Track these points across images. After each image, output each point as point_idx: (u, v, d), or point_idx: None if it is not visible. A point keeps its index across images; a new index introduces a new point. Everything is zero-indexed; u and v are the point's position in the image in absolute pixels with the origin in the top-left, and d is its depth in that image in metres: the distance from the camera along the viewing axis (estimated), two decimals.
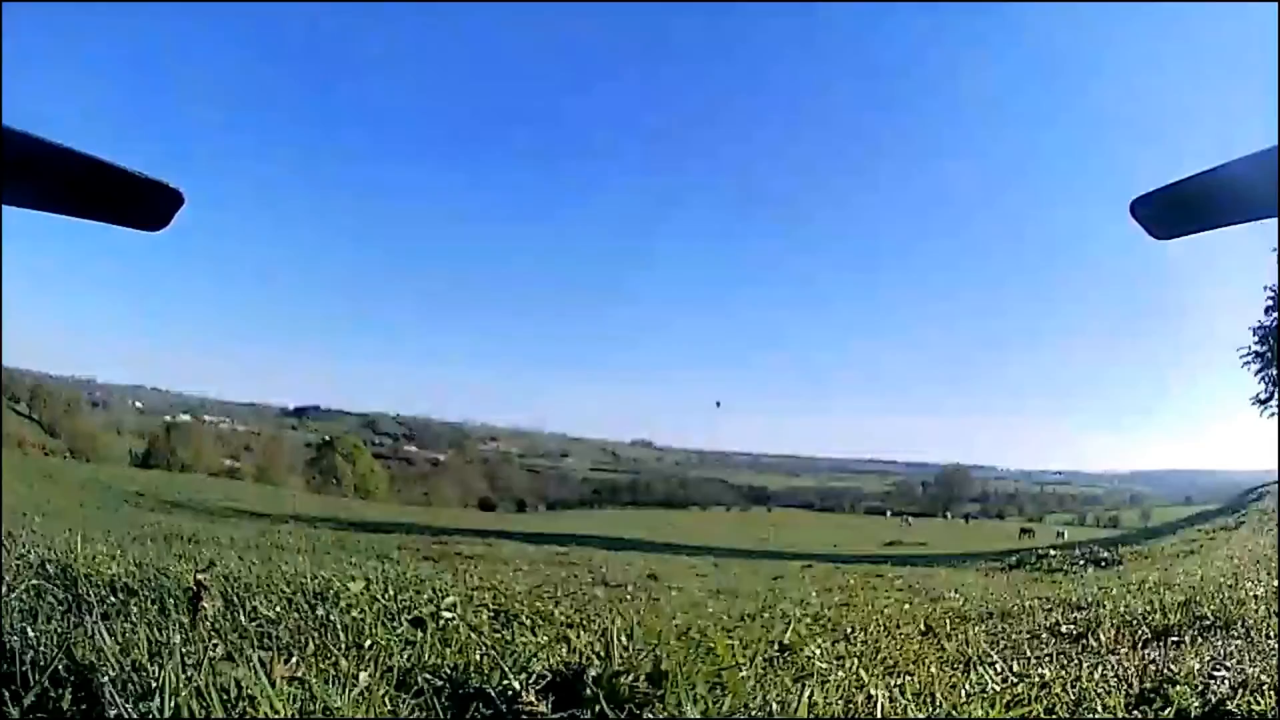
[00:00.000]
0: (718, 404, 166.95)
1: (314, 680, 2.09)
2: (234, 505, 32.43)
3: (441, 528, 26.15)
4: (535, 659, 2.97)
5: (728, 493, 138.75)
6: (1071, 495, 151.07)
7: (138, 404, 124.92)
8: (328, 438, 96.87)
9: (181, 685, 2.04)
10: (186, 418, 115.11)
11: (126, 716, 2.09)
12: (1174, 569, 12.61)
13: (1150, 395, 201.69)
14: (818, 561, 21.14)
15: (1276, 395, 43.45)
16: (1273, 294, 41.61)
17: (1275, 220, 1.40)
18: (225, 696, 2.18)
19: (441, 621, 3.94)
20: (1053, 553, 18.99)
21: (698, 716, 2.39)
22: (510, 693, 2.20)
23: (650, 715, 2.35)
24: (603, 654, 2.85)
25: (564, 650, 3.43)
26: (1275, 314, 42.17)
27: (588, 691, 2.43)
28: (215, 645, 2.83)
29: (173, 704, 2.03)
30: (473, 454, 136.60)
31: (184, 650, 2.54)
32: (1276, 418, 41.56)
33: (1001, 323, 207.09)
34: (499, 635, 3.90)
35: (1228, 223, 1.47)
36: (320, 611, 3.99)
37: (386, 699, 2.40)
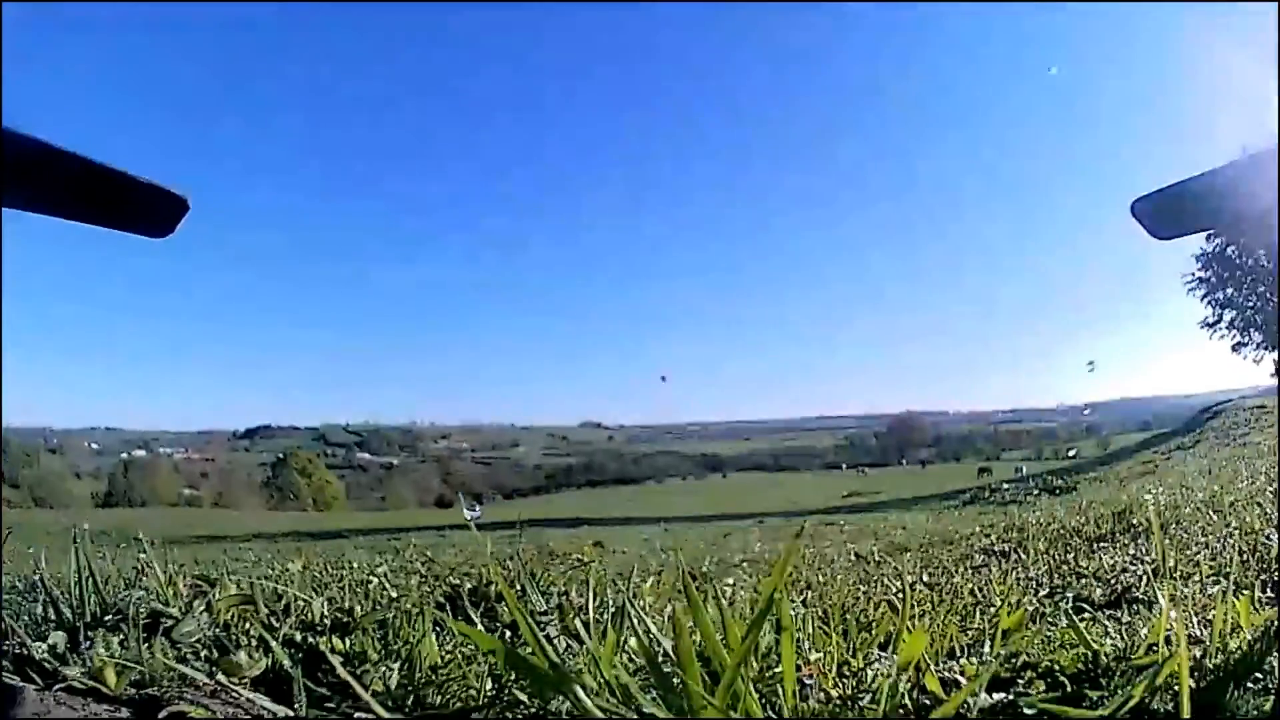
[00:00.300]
0: (663, 378, 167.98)
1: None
2: (195, 532, 32.29)
3: (398, 527, 26.44)
4: (438, 590, 3.43)
5: (681, 464, 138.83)
6: (1027, 432, 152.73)
7: (93, 445, 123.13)
8: (281, 455, 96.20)
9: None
10: (142, 453, 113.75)
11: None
12: (1126, 489, 12.97)
13: (1100, 325, 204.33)
14: (771, 518, 21.55)
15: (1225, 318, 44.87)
16: None
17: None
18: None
19: (370, 584, 4.37)
20: (1006, 486, 19.34)
21: (541, 605, 2.87)
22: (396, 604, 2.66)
23: (503, 610, 2.85)
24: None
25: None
26: (1217, 240, 43.25)
27: (463, 600, 2.93)
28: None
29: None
30: (425, 454, 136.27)
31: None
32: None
33: (951, 261, 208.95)
34: (422, 588, 4.33)
35: (1228, 222, 1.52)
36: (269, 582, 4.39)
37: None
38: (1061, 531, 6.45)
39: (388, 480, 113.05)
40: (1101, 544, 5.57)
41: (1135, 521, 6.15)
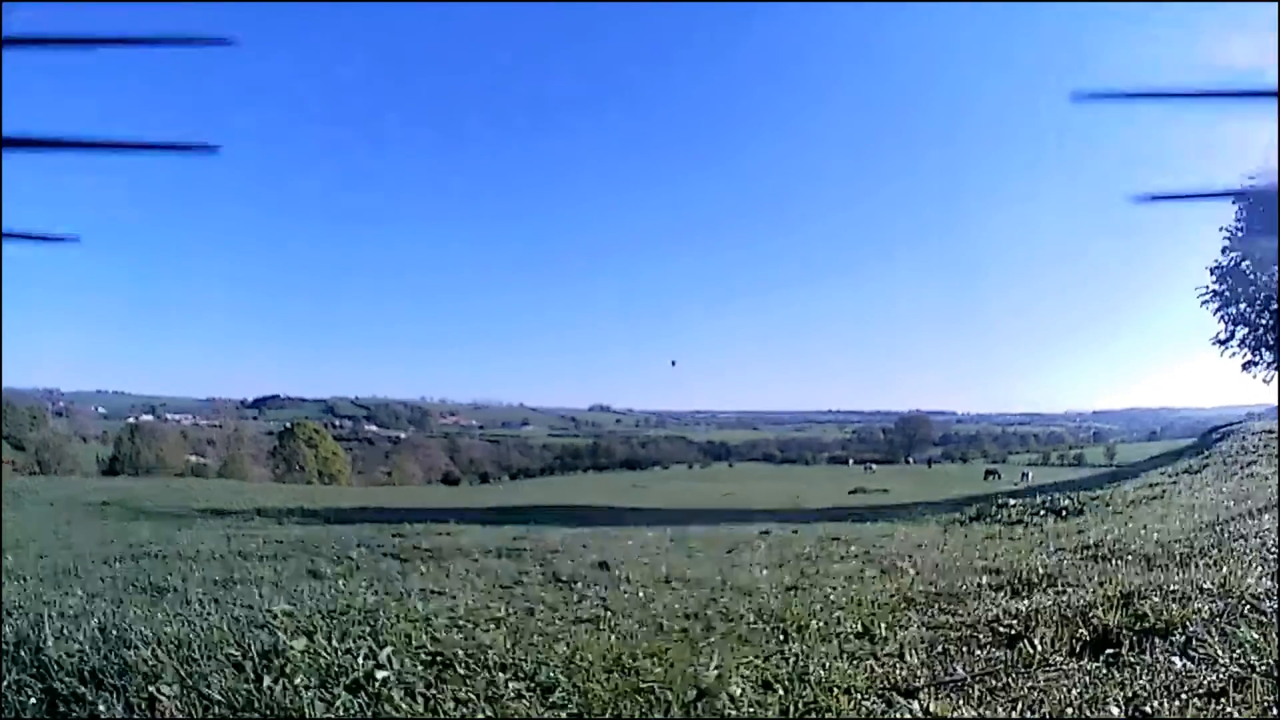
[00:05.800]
0: (673, 363, 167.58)
1: None
2: (199, 505, 32.33)
3: (405, 509, 26.48)
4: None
5: (688, 451, 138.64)
6: (1034, 435, 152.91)
7: (100, 409, 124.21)
8: (288, 425, 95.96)
9: None
10: (149, 418, 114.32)
11: None
12: (1135, 521, 12.82)
13: (1112, 336, 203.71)
14: (777, 521, 21.41)
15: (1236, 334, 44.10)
16: (1229, 233, 41.99)
17: None
18: None
19: (375, 684, 4.36)
20: (1012, 502, 19.11)
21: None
22: None
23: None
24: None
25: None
26: (1232, 253, 42.45)
27: None
28: None
29: None
30: (433, 429, 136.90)
31: None
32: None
33: (966, 267, 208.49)
34: (428, 695, 4.31)
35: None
36: (265, 683, 4.36)
37: None
38: (1069, 614, 6.04)
39: (395, 454, 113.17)
40: (1108, 648, 5.17)
41: (1143, 614, 5.67)
